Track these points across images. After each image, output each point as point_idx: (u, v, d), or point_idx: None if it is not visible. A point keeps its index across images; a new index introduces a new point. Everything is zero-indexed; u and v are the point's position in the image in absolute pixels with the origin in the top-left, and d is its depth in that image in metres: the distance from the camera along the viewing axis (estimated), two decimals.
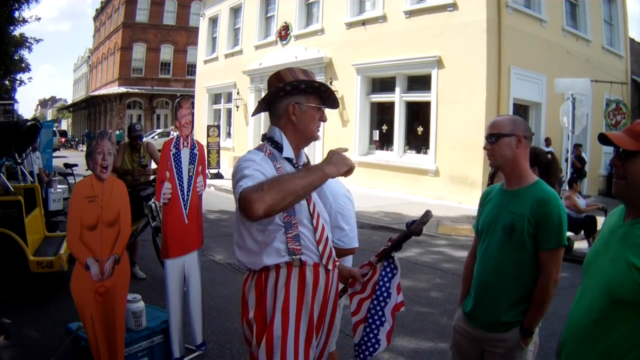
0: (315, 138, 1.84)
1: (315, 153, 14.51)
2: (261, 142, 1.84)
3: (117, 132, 23.84)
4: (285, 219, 1.68)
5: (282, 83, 1.75)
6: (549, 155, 3.24)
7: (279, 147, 1.78)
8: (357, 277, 2.06)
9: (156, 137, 24.94)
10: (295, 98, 1.77)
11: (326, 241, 1.77)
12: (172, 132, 22.54)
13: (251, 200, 1.46)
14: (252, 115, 2.08)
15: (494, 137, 2.02)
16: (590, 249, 1.60)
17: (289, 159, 1.78)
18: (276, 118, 1.81)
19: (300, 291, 1.68)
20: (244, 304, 1.76)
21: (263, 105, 1.86)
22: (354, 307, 2.05)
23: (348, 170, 1.65)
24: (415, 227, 1.99)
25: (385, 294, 2.02)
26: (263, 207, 1.46)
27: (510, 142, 1.99)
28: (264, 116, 16.59)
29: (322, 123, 1.86)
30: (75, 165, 9.54)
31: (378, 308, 2.01)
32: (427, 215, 1.98)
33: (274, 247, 1.66)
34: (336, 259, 1.85)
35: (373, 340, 1.98)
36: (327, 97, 1.85)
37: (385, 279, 2.03)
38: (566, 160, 10.65)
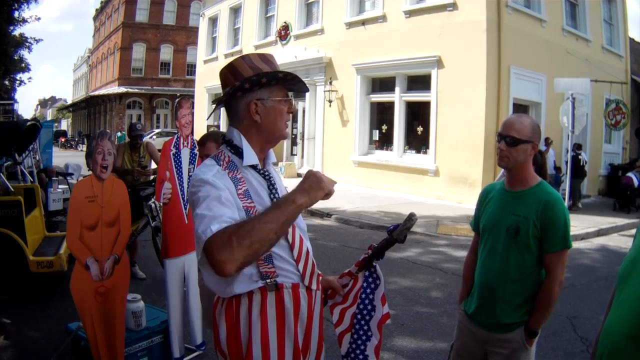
0: (284, 136, 1.58)
1: (315, 153, 14.51)
2: (221, 147, 1.58)
3: (119, 133, 23.67)
4: None
5: (239, 79, 1.48)
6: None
7: (239, 153, 1.51)
8: (337, 289, 1.84)
9: (154, 137, 24.90)
10: (256, 94, 1.49)
11: (306, 257, 1.55)
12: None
13: (221, 260, 1.24)
14: (207, 118, 1.82)
15: (512, 140, 1.98)
16: (626, 257, 1.52)
17: (252, 166, 1.52)
18: (236, 120, 1.53)
19: (279, 318, 1.47)
20: (215, 331, 1.54)
21: (220, 106, 1.59)
22: (336, 317, 1.86)
23: (326, 195, 1.41)
24: (397, 234, 1.77)
25: (369, 307, 1.83)
26: (235, 267, 1.25)
27: (527, 149, 1.99)
28: None
29: (290, 116, 1.61)
30: (72, 174, 9.05)
31: (363, 322, 1.83)
32: (411, 219, 1.75)
33: (245, 273, 1.42)
34: (319, 272, 1.64)
35: (361, 357, 1.82)
36: (293, 83, 1.58)
37: (368, 291, 1.84)
38: (566, 162, 10.65)
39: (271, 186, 1.54)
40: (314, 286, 1.57)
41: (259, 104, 1.50)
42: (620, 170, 13.62)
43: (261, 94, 1.50)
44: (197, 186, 1.41)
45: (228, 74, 1.53)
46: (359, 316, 1.83)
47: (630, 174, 11.65)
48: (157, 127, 31.87)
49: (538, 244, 1.96)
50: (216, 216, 1.32)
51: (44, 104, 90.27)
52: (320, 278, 1.67)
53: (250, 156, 1.51)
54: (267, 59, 1.54)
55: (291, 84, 1.58)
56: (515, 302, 2.01)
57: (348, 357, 1.84)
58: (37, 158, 8.71)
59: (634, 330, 1.35)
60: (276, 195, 1.53)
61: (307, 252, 1.57)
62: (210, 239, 1.26)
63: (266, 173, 1.55)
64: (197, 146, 3.53)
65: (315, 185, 1.38)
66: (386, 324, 1.88)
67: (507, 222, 2.01)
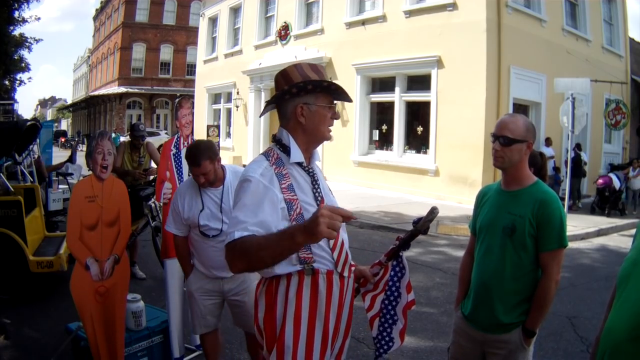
0: (327, 138, 1.74)
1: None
2: (270, 145, 1.76)
3: (114, 134, 23.42)
4: None
5: (289, 84, 1.66)
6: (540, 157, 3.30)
7: (287, 151, 1.68)
8: (369, 277, 2.02)
9: None
10: (303, 99, 1.66)
11: (341, 246, 1.71)
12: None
13: (228, 262, 1.51)
14: (260, 115, 2.05)
15: (506, 140, 1.99)
16: (626, 258, 1.52)
17: (298, 163, 1.69)
18: (285, 120, 1.72)
19: (312, 300, 1.63)
20: (255, 308, 1.73)
21: (271, 106, 1.78)
22: (367, 304, 2.04)
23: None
24: (421, 225, 1.95)
25: (395, 294, 2.01)
26: (237, 271, 1.54)
27: (521, 148, 2.00)
28: (264, 116, 16.59)
29: (334, 121, 1.76)
30: (72, 174, 9.17)
31: (390, 307, 2.01)
32: (433, 212, 1.93)
33: None
34: (352, 263, 1.79)
35: (387, 338, 2.01)
36: (338, 93, 1.76)
37: (395, 279, 2.02)
38: (565, 162, 10.64)
39: (314, 182, 1.71)
40: (346, 273, 1.72)
41: (305, 108, 1.67)
42: (620, 170, 13.61)
43: (307, 99, 1.67)
44: (243, 181, 1.61)
45: (281, 78, 1.71)
46: (386, 302, 2.02)
47: (610, 174, 11.20)
48: (153, 127, 31.71)
49: (534, 242, 1.96)
50: (241, 222, 1.51)
51: (44, 104, 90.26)
52: (354, 268, 1.82)
53: (297, 154, 1.68)
54: (317, 69, 1.73)
55: (335, 94, 1.75)
56: (512, 301, 2.01)
57: (377, 339, 2.03)
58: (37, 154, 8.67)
59: (636, 332, 1.34)
60: (318, 190, 1.70)
61: (342, 242, 1.72)
62: (227, 244, 1.49)
63: (310, 170, 1.72)
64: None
65: (315, 229, 1.31)
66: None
67: (504, 221, 2.01)
